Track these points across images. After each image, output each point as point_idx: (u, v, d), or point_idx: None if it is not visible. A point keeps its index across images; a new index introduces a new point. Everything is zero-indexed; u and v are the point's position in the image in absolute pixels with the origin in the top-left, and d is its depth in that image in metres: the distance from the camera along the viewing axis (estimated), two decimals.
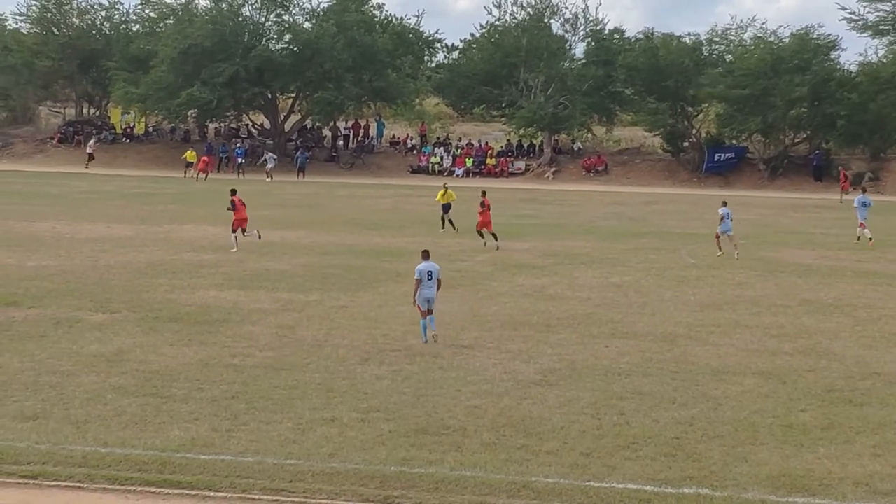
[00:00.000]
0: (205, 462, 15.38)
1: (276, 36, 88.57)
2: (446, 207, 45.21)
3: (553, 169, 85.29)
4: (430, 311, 23.56)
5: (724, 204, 39.83)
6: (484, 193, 41.65)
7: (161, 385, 19.22)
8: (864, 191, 49.06)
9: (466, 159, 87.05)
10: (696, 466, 15.77)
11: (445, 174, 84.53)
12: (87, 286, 29.10)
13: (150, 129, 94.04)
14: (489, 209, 40.54)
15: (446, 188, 46.65)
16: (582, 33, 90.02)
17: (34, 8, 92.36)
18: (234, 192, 39.13)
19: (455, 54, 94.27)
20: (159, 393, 18.73)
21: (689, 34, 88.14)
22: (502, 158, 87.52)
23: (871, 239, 42.59)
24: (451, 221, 44.79)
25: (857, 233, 43.92)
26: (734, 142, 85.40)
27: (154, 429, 16.80)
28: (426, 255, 24.13)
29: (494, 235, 40.03)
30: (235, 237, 37.63)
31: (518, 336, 24.27)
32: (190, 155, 78.11)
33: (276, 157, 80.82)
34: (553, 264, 36.26)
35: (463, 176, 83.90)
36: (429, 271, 23.64)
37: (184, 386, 19.21)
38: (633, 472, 15.45)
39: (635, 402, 18.96)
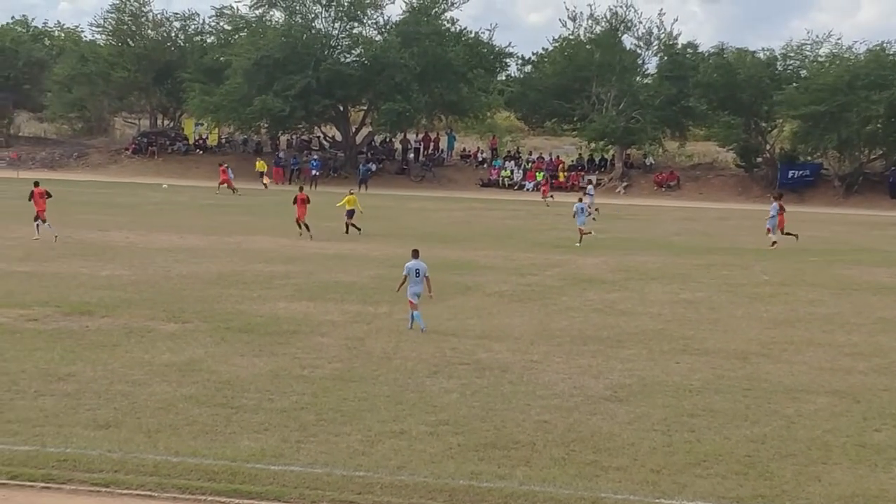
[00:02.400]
0: (274, 473, 15.40)
1: (347, 48, 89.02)
2: (350, 213, 47.21)
3: (624, 183, 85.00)
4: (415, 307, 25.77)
5: (580, 200, 47.83)
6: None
7: (231, 395, 19.30)
8: None
9: (537, 173, 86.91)
10: (768, 485, 15.56)
11: (516, 188, 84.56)
12: (160, 296, 29.33)
13: (223, 141, 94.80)
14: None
15: (351, 193, 49.57)
16: (655, 48, 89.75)
17: (110, 20, 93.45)
18: (36, 184, 43.48)
19: (527, 68, 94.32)
20: (229, 403, 18.80)
21: (763, 49, 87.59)
22: (573, 172, 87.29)
23: None
24: (354, 225, 47.26)
25: None
26: (809, 158, 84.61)
27: (224, 439, 16.86)
28: (416, 253, 26.37)
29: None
30: (37, 226, 41.89)
31: (588, 351, 24.13)
32: (260, 165, 78.59)
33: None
34: (624, 279, 36.06)
35: (533, 190, 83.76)
36: (416, 269, 25.81)
37: (254, 396, 19.27)
38: (704, 490, 15.27)
39: (706, 420, 18.77)
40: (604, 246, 45.81)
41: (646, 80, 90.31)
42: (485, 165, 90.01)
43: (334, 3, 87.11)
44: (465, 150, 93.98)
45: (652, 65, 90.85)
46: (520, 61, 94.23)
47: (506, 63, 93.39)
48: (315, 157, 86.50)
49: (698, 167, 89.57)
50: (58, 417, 17.56)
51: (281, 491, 14.82)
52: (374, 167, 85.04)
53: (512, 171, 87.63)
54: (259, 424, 17.60)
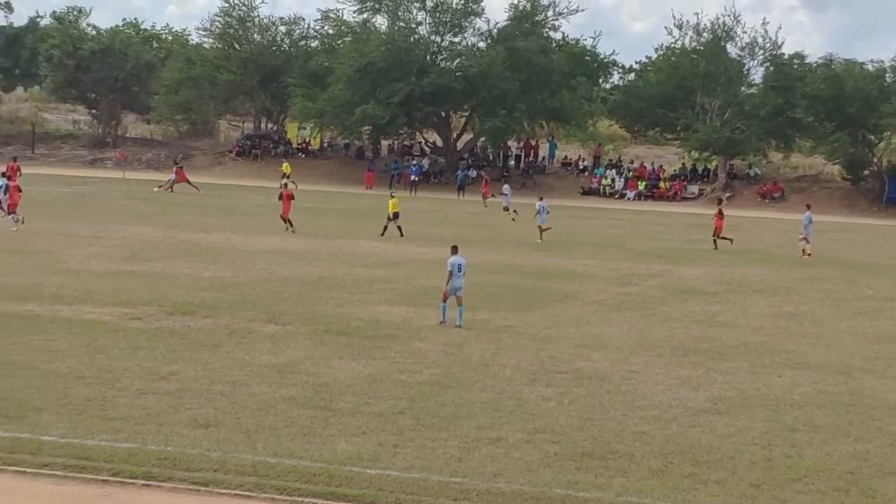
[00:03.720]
0: (371, 476, 15.45)
1: (449, 57, 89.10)
2: (395, 215, 47.61)
3: (727, 194, 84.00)
4: (459, 301, 26.80)
5: (541, 199, 50.07)
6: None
7: (329, 398, 19.40)
8: None
9: (638, 182, 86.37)
10: (871, 502, 15.30)
11: (616, 197, 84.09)
12: (261, 298, 29.60)
13: (325, 145, 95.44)
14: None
15: (393, 196, 49.79)
16: (760, 58, 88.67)
17: (217, 23, 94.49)
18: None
19: (630, 76, 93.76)
20: (328, 405, 18.90)
21: (871, 61, 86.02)
22: (675, 182, 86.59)
23: None
24: (399, 228, 47.39)
25: None
26: None
27: (322, 441, 16.95)
28: (455, 249, 27.59)
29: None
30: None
31: (688, 362, 23.91)
32: (286, 167, 79.24)
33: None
34: (725, 291, 35.69)
35: (634, 199, 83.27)
36: (458, 264, 27.00)
37: (351, 399, 19.36)
38: None
39: (808, 435, 18.50)
40: (706, 257, 45.40)
41: (751, 91, 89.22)
42: (585, 173, 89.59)
43: (437, 11, 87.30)
44: (566, 157, 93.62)
45: (758, 75, 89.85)
46: (623, 69, 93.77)
47: (609, 71, 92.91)
48: (415, 162, 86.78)
49: (803, 179, 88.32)
50: (159, 416, 17.79)
51: (377, 495, 14.87)
52: (473, 173, 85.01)
53: (613, 180, 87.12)
54: (356, 428, 17.67)
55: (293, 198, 48.80)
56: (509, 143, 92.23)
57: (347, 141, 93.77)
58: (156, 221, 47.57)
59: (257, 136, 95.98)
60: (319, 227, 49.91)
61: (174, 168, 73.43)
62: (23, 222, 42.74)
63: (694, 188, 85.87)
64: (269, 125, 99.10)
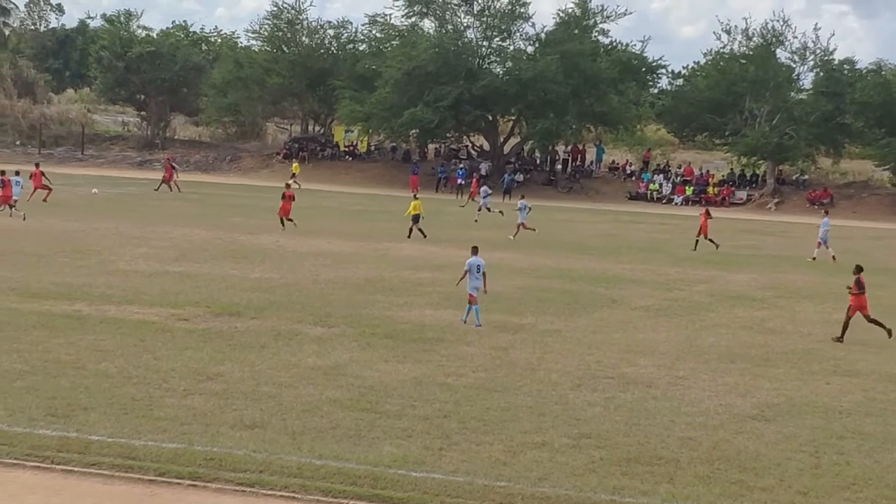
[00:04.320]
0: (416, 479, 15.44)
1: (498, 61, 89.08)
2: (416, 218, 47.80)
3: (776, 200, 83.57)
4: (475, 300, 27.26)
5: (522, 197, 54.01)
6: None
7: (375, 400, 19.42)
8: None
9: (686, 187, 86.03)
10: None
11: (664, 202, 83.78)
12: (308, 300, 29.67)
13: (372, 148, 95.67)
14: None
15: (416, 198, 49.90)
16: (811, 63, 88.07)
17: (266, 26, 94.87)
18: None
19: (679, 81, 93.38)
20: (373, 408, 18.92)
21: None
22: (723, 187, 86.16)
23: None
24: (421, 230, 47.29)
25: None
26: None
27: (367, 443, 16.96)
28: (475, 250, 28.11)
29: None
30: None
31: (735, 369, 23.77)
32: (295, 167, 79.11)
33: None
34: (773, 297, 35.46)
35: (682, 204, 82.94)
36: (477, 265, 27.55)
37: (397, 402, 19.37)
38: None
39: (856, 442, 18.35)
40: (753, 263, 45.13)
41: (800, 96, 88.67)
42: (633, 178, 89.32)
43: (485, 15, 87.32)
44: (613, 162, 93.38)
45: (807, 80, 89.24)
46: (671, 74, 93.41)
47: (658, 76, 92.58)
48: (462, 165, 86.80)
49: (852, 185, 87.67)
50: (205, 416, 17.87)
51: (422, 498, 14.87)
52: (521, 177, 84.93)
53: (661, 185, 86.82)
54: (402, 430, 17.68)
55: (294, 199, 49.40)
56: (557, 147, 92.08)
57: (394, 144, 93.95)
58: (203, 223, 47.78)
59: (304, 138, 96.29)
60: (365, 229, 50.00)
61: (167, 163, 71.29)
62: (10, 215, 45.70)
63: (742, 193, 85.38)
64: (317, 128, 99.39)
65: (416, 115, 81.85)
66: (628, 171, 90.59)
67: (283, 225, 47.54)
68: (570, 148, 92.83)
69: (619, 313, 30.62)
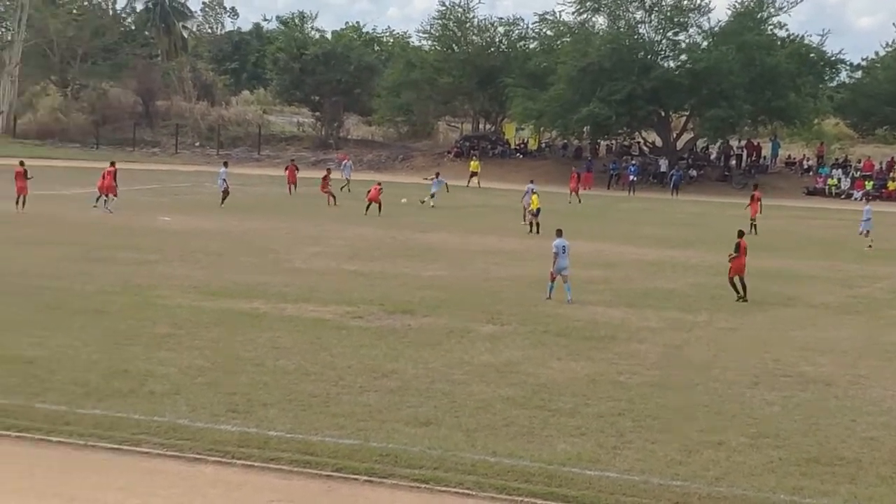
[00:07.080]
0: (590, 478, 15.36)
1: (671, 54, 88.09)
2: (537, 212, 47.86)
3: None
4: (565, 279, 29.58)
5: (531, 181, 55.63)
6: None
7: (548, 398, 19.37)
8: None
9: (866, 182, 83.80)
10: None
11: (843, 197, 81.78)
12: (479, 297, 29.76)
13: (543, 145, 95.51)
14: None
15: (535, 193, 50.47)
16: None
17: (437, 26, 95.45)
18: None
19: (858, 73, 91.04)
20: (546, 406, 18.88)
21: None
22: None
23: None
24: (537, 224, 47.23)
25: None
26: None
27: (540, 441, 16.93)
28: (559, 232, 30.35)
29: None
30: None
31: None
32: (474, 165, 78.73)
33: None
34: None
35: (861, 199, 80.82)
36: (563, 246, 29.76)
37: (570, 400, 19.29)
38: None
39: None
40: None
41: None
42: (810, 173, 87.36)
43: (657, 9, 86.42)
44: (789, 157, 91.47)
45: None
46: (850, 67, 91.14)
47: (837, 69, 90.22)
48: (633, 162, 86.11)
49: None
50: (381, 413, 18.04)
51: (596, 497, 14.78)
52: (694, 173, 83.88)
53: (839, 180, 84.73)
54: (575, 428, 17.60)
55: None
56: (731, 142, 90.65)
57: (565, 141, 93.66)
58: (376, 222, 48.29)
59: (475, 136, 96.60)
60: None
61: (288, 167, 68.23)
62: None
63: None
64: (487, 126, 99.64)
65: (592, 111, 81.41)
66: (805, 167, 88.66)
67: (366, 211, 51.41)
68: (744, 143, 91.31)
69: (796, 310, 30.02)
